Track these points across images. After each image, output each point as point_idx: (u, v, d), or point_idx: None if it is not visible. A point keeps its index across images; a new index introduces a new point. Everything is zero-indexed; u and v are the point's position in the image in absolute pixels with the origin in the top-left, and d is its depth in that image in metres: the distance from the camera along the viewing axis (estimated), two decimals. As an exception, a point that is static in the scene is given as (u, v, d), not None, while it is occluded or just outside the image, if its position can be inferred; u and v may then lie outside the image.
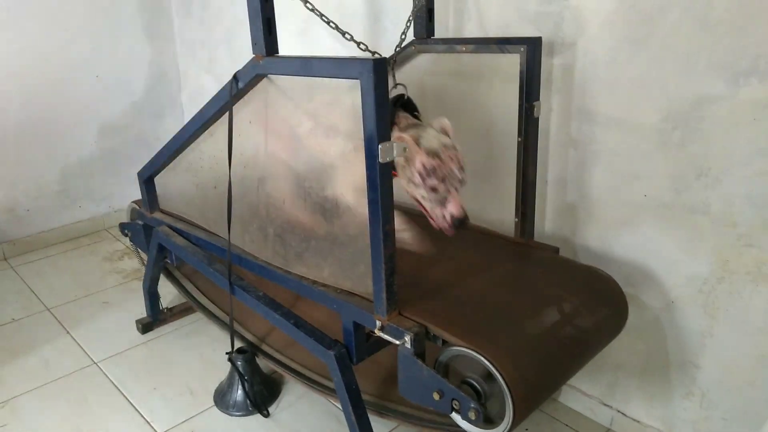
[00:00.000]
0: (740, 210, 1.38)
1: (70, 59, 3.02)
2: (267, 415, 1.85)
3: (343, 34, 1.55)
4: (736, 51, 1.30)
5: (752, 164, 1.33)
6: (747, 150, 1.33)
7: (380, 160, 1.15)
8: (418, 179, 1.38)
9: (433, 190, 1.38)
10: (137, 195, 2.23)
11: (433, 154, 1.37)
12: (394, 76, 1.53)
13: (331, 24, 1.53)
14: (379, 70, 1.10)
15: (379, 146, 1.14)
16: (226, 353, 1.76)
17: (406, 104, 1.50)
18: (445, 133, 1.43)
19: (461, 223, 1.40)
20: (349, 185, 1.39)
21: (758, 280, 1.39)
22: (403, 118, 1.47)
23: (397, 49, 1.65)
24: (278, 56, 1.36)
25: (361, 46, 1.57)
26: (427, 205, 1.42)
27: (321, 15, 1.50)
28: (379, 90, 1.11)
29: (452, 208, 1.39)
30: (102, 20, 3.08)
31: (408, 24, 1.67)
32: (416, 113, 1.52)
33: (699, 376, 1.56)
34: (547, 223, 1.79)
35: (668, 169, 1.48)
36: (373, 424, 1.49)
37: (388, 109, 1.15)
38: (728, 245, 1.42)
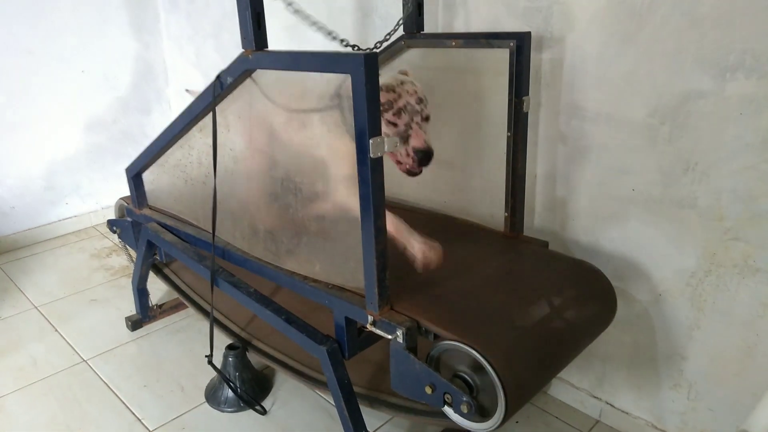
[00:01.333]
0: (727, 204, 1.40)
1: (56, 54, 2.99)
2: (263, 411, 1.85)
3: (329, 33, 1.54)
4: (722, 46, 1.32)
5: (739, 159, 1.35)
6: (734, 145, 1.35)
7: (371, 155, 1.15)
8: None
9: (392, 125, 1.36)
10: (125, 191, 2.21)
11: (387, 88, 1.35)
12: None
13: (315, 24, 1.53)
14: (371, 64, 1.10)
15: (370, 141, 1.14)
16: (206, 356, 1.74)
17: None
18: (405, 74, 1.42)
19: (426, 156, 1.37)
20: (341, 178, 1.39)
21: (744, 273, 1.41)
22: None
23: (388, 34, 1.63)
24: (268, 51, 1.35)
25: (343, 42, 1.57)
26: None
27: (306, 16, 1.50)
28: (371, 85, 1.11)
29: (414, 142, 1.37)
30: (87, 14, 3.05)
31: (399, 22, 1.67)
32: None
33: (686, 367, 1.58)
34: (536, 218, 1.80)
35: (656, 163, 1.49)
36: (365, 417, 1.50)
37: (379, 104, 1.14)
38: (715, 239, 1.44)
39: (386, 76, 1.41)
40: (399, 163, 1.42)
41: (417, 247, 1.44)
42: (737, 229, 1.40)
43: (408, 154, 1.39)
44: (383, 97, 1.34)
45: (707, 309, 1.50)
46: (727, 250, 1.43)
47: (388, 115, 1.35)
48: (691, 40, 1.36)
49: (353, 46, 1.54)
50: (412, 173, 1.43)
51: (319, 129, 1.41)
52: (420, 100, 1.38)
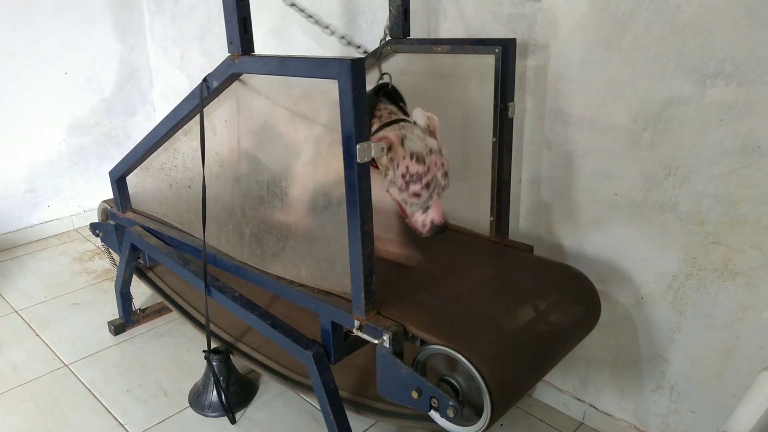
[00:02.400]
0: (708, 208, 1.42)
1: (38, 55, 2.95)
2: (233, 421, 1.84)
3: (326, 27, 1.54)
4: (703, 54, 1.34)
5: (719, 164, 1.37)
6: (714, 150, 1.37)
7: (358, 160, 1.15)
8: (401, 183, 1.35)
9: (416, 195, 1.36)
10: (108, 194, 2.19)
11: (419, 158, 1.34)
12: (380, 67, 1.52)
13: (312, 18, 1.53)
14: (357, 69, 1.10)
15: (357, 146, 1.14)
16: (203, 351, 1.74)
17: (390, 94, 1.48)
18: (431, 131, 1.41)
19: (441, 230, 1.39)
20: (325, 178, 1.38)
21: (725, 277, 1.44)
22: (385, 109, 1.44)
23: (381, 42, 1.63)
24: (254, 55, 1.35)
25: (342, 40, 1.57)
26: (407, 209, 1.40)
27: (301, 10, 1.50)
28: (357, 90, 1.11)
29: (434, 215, 1.38)
30: (70, 16, 3.02)
31: (387, 27, 1.68)
32: (402, 104, 1.50)
33: (668, 370, 1.61)
34: (521, 222, 1.82)
35: (638, 168, 1.51)
36: (350, 420, 1.49)
37: (366, 108, 1.15)
38: (696, 243, 1.46)
39: (416, 137, 1.36)
40: (411, 223, 1.43)
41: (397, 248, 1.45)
42: (717, 233, 1.42)
43: (424, 225, 1.39)
44: (413, 168, 1.33)
45: (688, 312, 1.52)
46: (708, 254, 1.45)
47: (415, 187, 1.35)
48: (672, 48, 1.38)
49: (357, 46, 1.53)
50: (421, 235, 1.43)
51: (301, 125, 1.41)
52: (445, 175, 1.38)
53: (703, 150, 1.39)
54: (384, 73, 1.49)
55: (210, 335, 1.75)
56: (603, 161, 1.58)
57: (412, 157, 1.34)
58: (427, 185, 1.35)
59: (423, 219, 1.39)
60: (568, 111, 1.61)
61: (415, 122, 1.42)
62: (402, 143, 1.34)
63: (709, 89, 1.35)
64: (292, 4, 1.48)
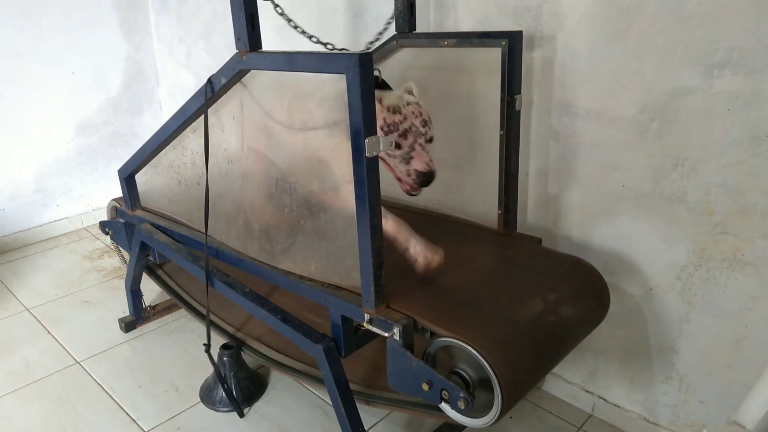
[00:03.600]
0: (716, 199, 1.42)
1: (45, 56, 2.97)
2: (242, 414, 1.85)
3: (310, 37, 1.56)
4: (710, 44, 1.34)
5: (727, 154, 1.37)
6: (722, 140, 1.37)
7: (367, 154, 1.16)
8: (381, 135, 1.37)
9: (396, 146, 1.38)
10: (115, 193, 2.21)
11: (394, 109, 1.36)
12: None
13: (297, 28, 1.55)
14: (365, 64, 1.11)
15: (366, 140, 1.15)
16: (203, 344, 1.74)
17: (380, 86, 1.50)
18: (409, 91, 1.43)
19: (426, 178, 1.39)
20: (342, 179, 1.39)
21: (734, 267, 1.44)
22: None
23: (378, 34, 1.65)
24: (262, 52, 1.36)
25: (328, 46, 1.59)
26: (391, 162, 1.41)
27: (289, 20, 1.52)
28: (365, 84, 1.11)
29: (417, 164, 1.39)
30: (77, 16, 3.03)
31: (390, 20, 1.68)
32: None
33: (677, 361, 1.61)
34: (529, 215, 1.82)
35: (646, 159, 1.51)
36: (361, 413, 1.50)
37: (374, 103, 1.15)
38: (705, 233, 1.46)
39: (393, 95, 1.42)
40: (399, 181, 1.44)
41: (418, 249, 1.44)
42: (726, 223, 1.42)
43: (409, 175, 1.41)
44: (389, 119, 1.36)
45: (697, 303, 1.52)
46: (717, 244, 1.45)
47: (393, 136, 1.37)
48: (679, 38, 1.38)
49: (340, 50, 1.55)
50: (411, 193, 1.45)
51: (321, 131, 1.42)
52: (425, 122, 1.40)
53: (711, 140, 1.39)
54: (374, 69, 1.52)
55: (210, 327, 1.76)
56: (610, 153, 1.58)
57: (388, 109, 1.37)
58: (405, 134, 1.37)
59: (407, 169, 1.40)
60: (575, 103, 1.61)
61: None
62: (379, 102, 1.37)
63: (717, 79, 1.35)
64: (282, 14, 1.50)
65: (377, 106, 1.35)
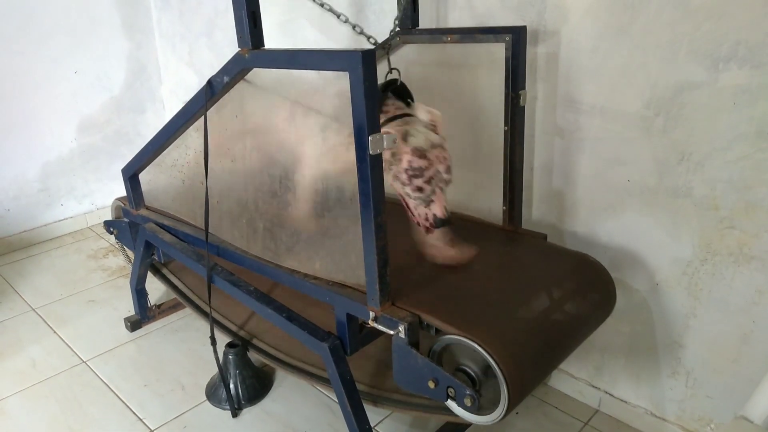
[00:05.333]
0: (722, 193, 1.41)
1: (47, 55, 2.97)
2: (234, 415, 1.85)
3: (338, 16, 1.55)
4: (715, 37, 1.33)
5: (733, 148, 1.36)
6: (728, 135, 1.36)
7: (370, 151, 1.15)
8: (404, 178, 1.37)
9: (419, 189, 1.38)
10: (119, 191, 2.21)
11: (420, 153, 1.36)
12: (389, 62, 1.53)
13: (325, 5, 1.53)
14: (368, 61, 1.10)
15: (369, 138, 1.15)
16: (210, 336, 1.75)
17: (398, 90, 1.49)
18: (434, 126, 1.42)
19: (443, 224, 1.41)
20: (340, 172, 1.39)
21: (740, 262, 1.43)
22: (392, 105, 1.45)
23: (390, 33, 1.64)
24: (264, 49, 1.35)
25: (357, 28, 1.57)
26: (410, 203, 1.42)
27: (321, 4, 1.51)
28: (369, 81, 1.11)
29: (436, 209, 1.40)
30: (78, 14, 3.03)
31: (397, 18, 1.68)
32: (409, 100, 1.50)
33: (684, 356, 1.60)
34: (534, 211, 1.81)
35: (651, 154, 1.51)
36: (367, 411, 1.50)
37: (377, 100, 1.15)
38: (711, 228, 1.45)
39: (419, 134, 1.38)
40: (414, 217, 1.45)
41: (448, 251, 1.47)
42: (732, 217, 1.41)
43: (427, 219, 1.41)
44: (415, 163, 1.35)
45: (703, 297, 1.52)
46: (723, 239, 1.44)
47: (417, 182, 1.36)
48: (684, 32, 1.37)
49: (368, 37, 1.54)
50: (426, 232, 1.45)
51: (324, 128, 1.42)
52: (448, 169, 1.40)
53: (717, 135, 1.38)
54: (393, 69, 1.50)
55: (213, 323, 1.76)
56: (615, 148, 1.57)
57: (414, 152, 1.36)
58: (430, 180, 1.37)
59: (426, 213, 1.41)
60: (580, 98, 1.60)
61: (417, 117, 1.44)
62: (404, 138, 1.36)
63: (722, 73, 1.34)
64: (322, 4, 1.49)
65: (402, 144, 1.35)
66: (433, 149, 1.37)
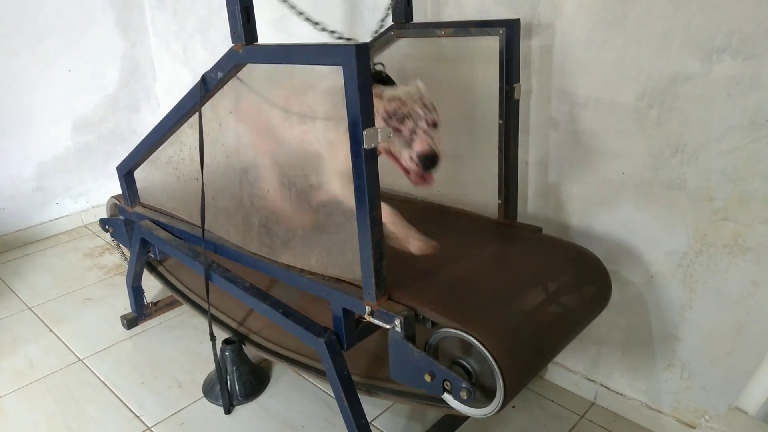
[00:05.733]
0: (716, 185, 1.41)
1: (41, 54, 2.96)
2: (227, 412, 1.85)
3: (315, 24, 1.55)
4: (709, 29, 1.33)
5: (727, 140, 1.37)
6: (721, 126, 1.37)
7: (365, 146, 1.15)
8: (382, 125, 1.36)
9: (396, 130, 1.37)
10: (115, 190, 2.21)
11: (392, 97, 1.37)
12: (371, 58, 1.53)
13: (302, 15, 1.54)
14: (362, 55, 1.10)
15: (364, 132, 1.15)
16: (209, 332, 1.75)
17: (384, 81, 1.49)
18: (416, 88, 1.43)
19: (430, 161, 1.36)
20: (334, 171, 1.39)
21: (735, 253, 1.43)
22: (377, 87, 1.45)
23: (380, 23, 1.64)
24: (258, 45, 1.35)
25: (335, 34, 1.57)
26: (395, 152, 1.40)
27: (292, 6, 1.50)
28: (363, 76, 1.11)
29: (417, 146, 1.37)
30: (72, 13, 3.02)
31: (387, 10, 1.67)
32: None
33: (679, 348, 1.61)
34: (529, 204, 1.82)
35: (645, 147, 1.51)
36: (364, 406, 1.50)
37: (371, 94, 1.15)
38: (705, 220, 1.46)
39: (395, 89, 1.41)
40: (407, 172, 1.41)
41: (413, 243, 1.45)
42: (727, 209, 1.42)
43: (412, 159, 1.38)
44: (388, 106, 1.36)
45: (699, 289, 1.52)
46: (717, 231, 1.45)
47: (392, 122, 1.36)
48: (677, 24, 1.37)
49: (347, 40, 1.54)
50: (422, 181, 1.41)
51: (319, 123, 1.42)
52: (425, 106, 1.39)
53: (711, 126, 1.38)
54: (377, 63, 1.51)
55: (211, 319, 1.76)
56: (610, 141, 1.57)
57: (388, 100, 1.37)
58: (403, 118, 1.36)
59: (409, 154, 1.38)
60: (574, 91, 1.60)
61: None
62: (380, 96, 1.37)
63: (716, 64, 1.34)
64: (284, 1, 1.49)
65: (377, 101, 1.35)
66: (408, 95, 1.38)
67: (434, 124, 1.40)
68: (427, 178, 1.40)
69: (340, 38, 1.56)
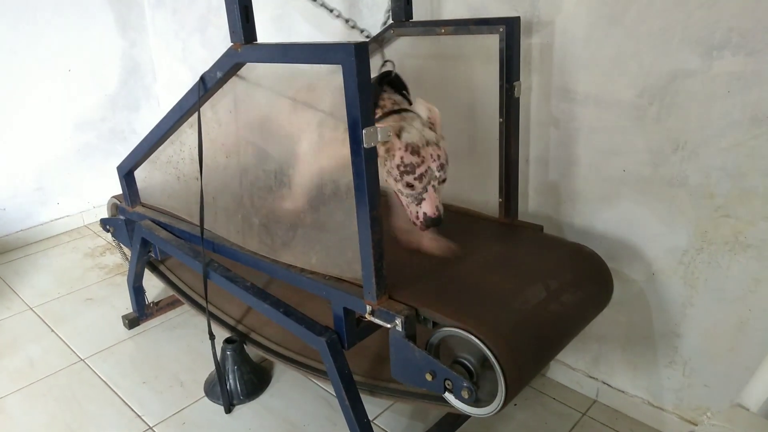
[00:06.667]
0: (717, 181, 1.41)
1: (41, 53, 2.95)
2: (227, 411, 1.85)
3: (330, 11, 1.54)
4: (709, 25, 1.32)
5: (727, 136, 1.36)
6: (722, 122, 1.36)
7: (365, 145, 1.15)
8: (396, 174, 1.36)
9: (410, 186, 1.37)
10: (116, 190, 2.20)
11: (413, 149, 1.34)
12: (383, 53, 1.52)
13: (317, 0, 1.52)
14: (361, 54, 1.10)
15: (363, 131, 1.14)
16: (208, 331, 1.75)
17: (393, 82, 1.48)
18: (432, 123, 1.41)
19: (434, 223, 1.40)
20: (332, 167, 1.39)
21: (736, 250, 1.43)
22: (389, 99, 1.44)
23: (382, 26, 1.63)
24: (257, 44, 1.35)
25: (350, 22, 1.56)
26: (403, 199, 1.42)
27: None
28: (362, 74, 1.11)
29: (426, 208, 1.38)
30: (71, 12, 3.01)
31: (389, 10, 1.67)
32: (405, 92, 1.50)
33: (681, 345, 1.61)
34: (530, 202, 1.81)
35: (646, 143, 1.50)
36: (365, 405, 1.51)
37: (371, 93, 1.14)
38: (706, 216, 1.45)
39: (413, 130, 1.37)
40: (409, 216, 1.44)
41: (426, 243, 1.47)
42: (727, 206, 1.41)
43: (417, 217, 1.40)
44: (407, 159, 1.34)
45: (700, 286, 1.52)
46: (718, 228, 1.44)
47: (408, 178, 1.35)
48: (677, 20, 1.37)
49: (361, 30, 1.53)
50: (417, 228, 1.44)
51: (317, 122, 1.42)
52: (441, 167, 1.38)
53: (711, 123, 1.38)
54: (387, 61, 1.49)
55: (212, 318, 1.76)
56: (610, 138, 1.57)
57: (407, 148, 1.34)
58: (421, 177, 1.36)
59: (417, 211, 1.40)
60: (574, 88, 1.60)
61: (416, 113, 1.43)
62: (399, 134, 1.35)
63: (716, 60, 1.33)
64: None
65: (395, 140, 1.34)
66: (427, 146, 1.36)
67: (443, 181, 1.40)
68: (423, 230, 1.44)
69: (354, 27, 1.54)
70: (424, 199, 1.38)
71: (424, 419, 1.79)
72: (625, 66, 1.48)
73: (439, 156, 1.37)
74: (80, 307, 2.47)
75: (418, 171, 1.35)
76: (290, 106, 1.48)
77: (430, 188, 1.38)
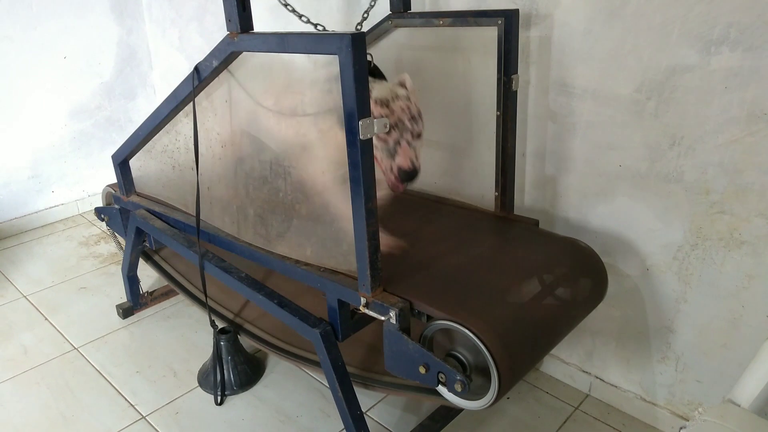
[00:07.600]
0: (713, 178, 1.41)
1: (36, 40, 2.93)
2: (220, 403, 1.85)
3: (300, 17, 1.54)
4: (707, 20, 1.32)
5: (724, 132, 1.36)
6: (719, 118, 1.36)
7: (361, 136, 1.15)
8: None
9: (382, 140, 1.36)
10: (111, 178, 2.19)
11: (381, 103, 1.35)
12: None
13: (287, 7, 1.53)
14: (358, 45, 1.09)
15: (360, 122, 1.14)
16: (210, 323, 1.75)
17: (372, 72, 1.48)
18: (402, 86, 1.41)
19: (409, 176, 1.38)
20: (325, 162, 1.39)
21: (730, 246, 1.43)
22: None
23: (364, 15, 1.63)
24: (253, 33, 1.34)
25: (318, 27, 1.57)
26: (377, 155, 1.40)
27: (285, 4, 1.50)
28: (358, 65, 1.10)
29: (400, 161, 1.37)
30: (66, -1, 2.99)
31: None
32: (384, 81, 1.50)
33: (674, 340, 1.61)
34: (526, 196, 1.81)
35: (643, 139, 1.50)
36: (358, 396, 1.51)
37: (367, 84, 1.14)
38: (701, 212, 1.45)
39: (383, 87, 1.38)
40: (384, 174, 1.42)
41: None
42: (723, 202, 1.41)
43: (392, 170, 1.39)
44: (376, 112, 1.34)
45: (694, 282, 1.52)
46: (713, 224, 1.44)
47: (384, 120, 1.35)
48: (676, 15, 1.36)
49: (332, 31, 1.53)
50: (394, 189, 1.42)
51: (313, 114, 1.41)
52: (413, 118, 1.38)
53: (708, 118, 1.38)
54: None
55: (210, 311, 1.76)
56: (607, 132, 1.56)
57: (375, 102, 1.35)
58: (390, 128, 1.35)
59: (391, 165, 1.39)
60: (572, 82, 1.59)
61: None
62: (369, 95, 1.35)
63: (714, 56, 1.33)
64: None
65: None
66: (396, 100, 1.36)
67: (418, 135, 1.40)
68: (400, 187, 1.41)
69: (324, 31, 1.54)
70: (398, 152, 1.37)
71: (417, 412, 1.79)
72: (623, 60, 1.48)
73: (409, 108, 1.37)
74: (74, 295, 2.47)
75: (388, 123, 1.35)
76: (287, 95, 1.47)
77: (403, 142, 1.37)
